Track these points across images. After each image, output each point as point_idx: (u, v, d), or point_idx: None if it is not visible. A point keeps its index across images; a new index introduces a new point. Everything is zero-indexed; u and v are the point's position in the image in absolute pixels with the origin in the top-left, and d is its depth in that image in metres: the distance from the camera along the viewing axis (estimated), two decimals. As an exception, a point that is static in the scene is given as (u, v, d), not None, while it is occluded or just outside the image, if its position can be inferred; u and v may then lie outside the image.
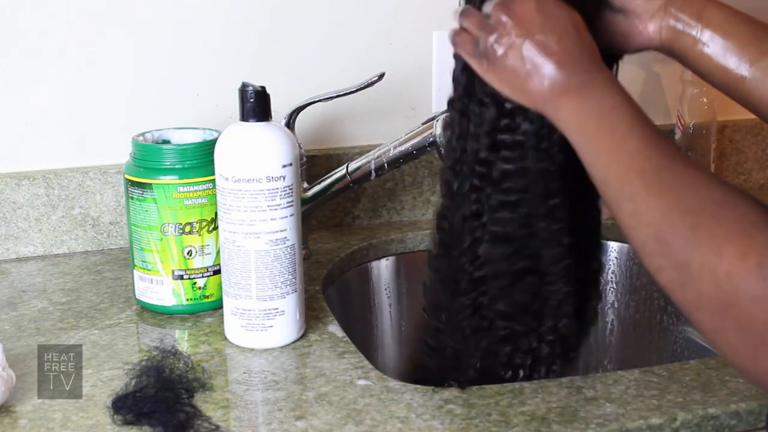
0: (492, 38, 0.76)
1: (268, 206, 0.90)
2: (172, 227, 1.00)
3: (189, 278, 1.01)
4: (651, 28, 0.85)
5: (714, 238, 0.61)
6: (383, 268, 1.27)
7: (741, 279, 0.59)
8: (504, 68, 0.76)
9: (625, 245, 1.26)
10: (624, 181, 0.67)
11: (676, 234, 0.62)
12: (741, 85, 0.83)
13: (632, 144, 0.68)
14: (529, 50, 0.74)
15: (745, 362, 0.61)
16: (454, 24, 0.83)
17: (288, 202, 0.91)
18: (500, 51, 0.75)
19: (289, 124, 1.15)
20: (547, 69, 0.73)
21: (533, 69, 0.74)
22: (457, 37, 0.80)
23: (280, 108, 1.07)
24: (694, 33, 0.83)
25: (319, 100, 1.16)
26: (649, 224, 0.64)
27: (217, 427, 0.79)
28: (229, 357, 0.94)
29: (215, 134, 1.03)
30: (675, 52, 0.85)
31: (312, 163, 1.23)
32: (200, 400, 0.84)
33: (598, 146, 0.71)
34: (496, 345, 0.85)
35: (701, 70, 0.85)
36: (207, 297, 1.02)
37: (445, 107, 1.13)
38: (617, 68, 0.89)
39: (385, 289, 1.27)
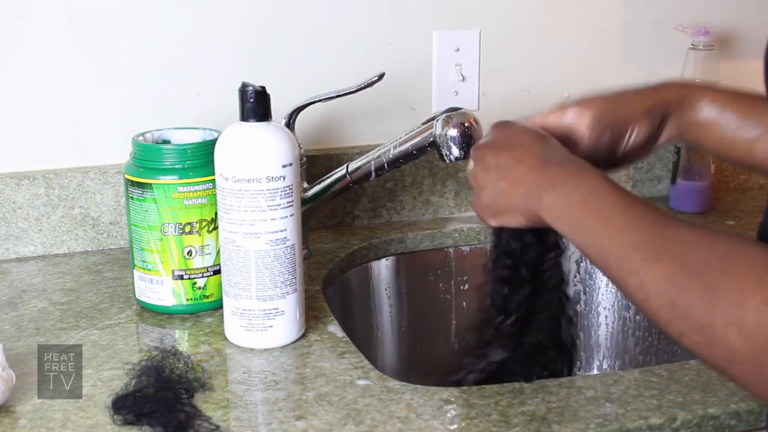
0: (476, 180, 0.84)
1: (268, 206, 0.90)
2: (172, 227, 1.00)
3: (189, 278, 1.01)
4: (665, 136, 0.92)
5: (730, 293, 0.60)
6: (383, 268, 1.27)
7: None
8: (489, 198, 0.83)
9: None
10: (622, 257, 0.68)
11: (689, 297, 0.62)
12: (748, 156, 0.89)
13: (620, 220, 0.70)
14: (501, 171, 0.81)
15: None
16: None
17: (288, 202, 0.91)
18: (481, 186, 0.83)
19: (289, 124, 1.15)
20: (521, 177, 0.79)
21: (509, 184, 0.80)
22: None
23: (280, 108, 1.07)
24: (696, 131, 0.90)
25: (319, 100, 1.16)
26: (659, 294, 0.64)
27: (217, 427, 0.79)
28: (229, 357, 0.94)
29: (215, 134, 1.03)
30: (689, 143, 0.94)
31: (312, 163, 1.23)
32: (200, 400, 0.84)
33: (588, 230, 0.73)
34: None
35: (712, 152, 0.94)
36: (207, 297, 1.02)
37: (444, 107, 1.13)
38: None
39: (385, 289, 1.27)
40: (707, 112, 0.89)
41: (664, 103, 0.90)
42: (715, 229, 0.68)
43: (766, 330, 0.58)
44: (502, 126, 0.85)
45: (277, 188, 0.90)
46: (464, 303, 1.29)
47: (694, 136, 0.91)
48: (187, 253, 1.00)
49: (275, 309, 0.93)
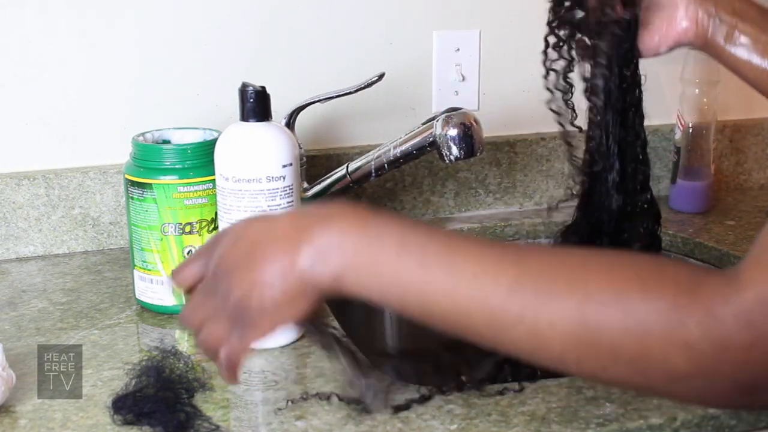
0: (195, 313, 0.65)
1: (268, 206, 0.90)
2: (172, 227, 1.00)
3: (189, 278, 1.01)
4: (685, 23, 0.87)
5: (663, 314, 0.53)
6: (383, 268, 1.26)
7: (723, 336, 0.53)
8: (219, 325, 0.63)
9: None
10: (498, 304, 0.55)
11: (611, 330, 0.54)
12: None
13: (473, 265, 0.55)
14: (246, 280, 0.61)
15: (742, 403, 0.58)
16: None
17: (288, 202, 0.91)
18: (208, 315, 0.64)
19: (289, 124, 1.15)
20: (271, 258, 0.60)
21: (258, 274, 0.60)
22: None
23: (280, 108, 1.07)
24: (727, 28, 0.85)
25: (319, 100, 1.16)
26: (566, 334, 0.54)
27: (217, 427, 0.79)
28: (229, 357, 0.93)
29: (215, 134, 1.03)
30: (708, 46, 0.87)
31: (312, 163, 1.23)
32: (200, 400, 0.84)
33: (418, 289, 0.56)
34: None
35: (733, 65, 0.86)
36: (207, 297, 1.02)
37: (444, 107, 1.13)
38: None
39: (385, 289, 1.26)
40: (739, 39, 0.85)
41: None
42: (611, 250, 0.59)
43: (716, 342, 0.53)
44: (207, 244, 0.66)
45: (277, 188, 0.90)
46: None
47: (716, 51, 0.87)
48: (188, 253, 1.00)
49: (275, 309, 0.93)
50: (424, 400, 0.83)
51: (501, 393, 0.84)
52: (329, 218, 0.59)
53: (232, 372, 0.64)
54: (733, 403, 0.58)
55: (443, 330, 0.58)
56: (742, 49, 0.85)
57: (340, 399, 0.83)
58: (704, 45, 0.88)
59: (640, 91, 0.89)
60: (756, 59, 0.85)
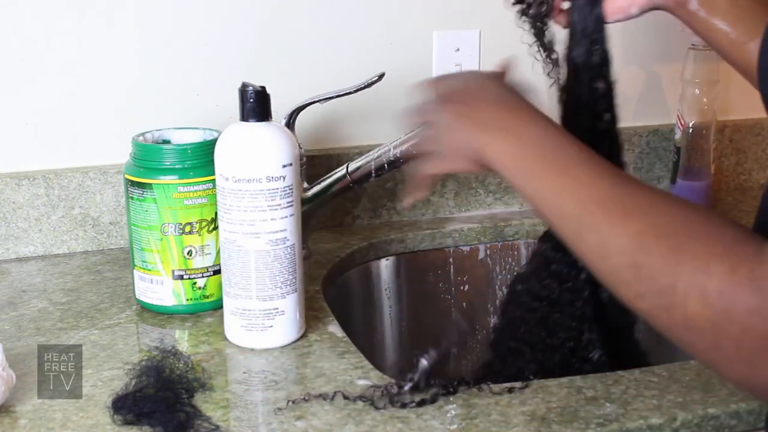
0: (422, 113, 0.82)
1: (268, 206, 0.90)
2: (172, 227, 1.00)
3: (189, 278, 1.01)
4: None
5: (697, 258, 0.59)
6: (383, 268, 1.27)
7: (734, 294, 0.57)
8: (433, 133, 0.79)
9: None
10: (582, 212, 0.65)
11: (653, 258, 0.60)
12: (740, 52, 0.87)
13: (582, 174, 0.66)
14: (450, 105, 0.77)
15: (742, 374, 0.60)
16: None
17: (288, 202, 0.91)
18: (426, 120, 0.80)
19: (289, 124, 1.15)
20: (469, 113, 0.75)
21: (456, 119, 0.76)
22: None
23: (280, 108, 1.07)
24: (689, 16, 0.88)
25: (319, 100, 1.16)
26: (621, 252, 0.62)
27: (217, 427, 0.79)
28: (229, 357, 0.93)
29: (215, 134, 1.03)
30: (681, 9, 0.89)
31: (312, 163, 1.23)
32: (200, 400, 0.84)
33: (540, 182, 0.68)
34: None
35: (705, 32, 0.88)
36: (207, 297, 1.02)
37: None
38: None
39: (385, 289, 1.27)
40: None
41: None
42: (691, 201, 0.65)
43: (728, 299, 0.57)
44: (461, 74, 0.82)
45: (277, 188, 0.90)
46: (464, 303, 1.29)
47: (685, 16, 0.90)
48: (187, 253, 1.00)
49: (275, 309, 0.93)
50: (424, 403, 0.83)
51: (502, 393, 0.84)
52: (522, 126, 0.71)
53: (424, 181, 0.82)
54: (734, 374, 0.61)
55: (546, 218, 0.69)
56: (716, 16, 0.86)
57: (345, 397, 0.83)
58: (676, 7, 0.89)
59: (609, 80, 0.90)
60: (728, 27, 0.86)
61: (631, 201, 0.64)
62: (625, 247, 0.62)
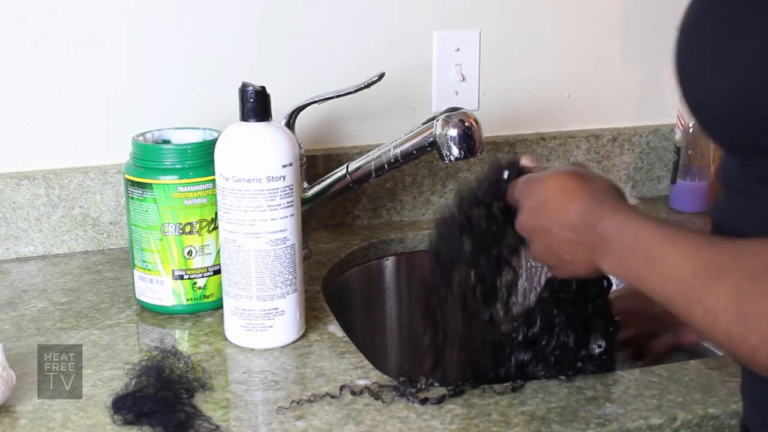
0: (522, 228, 0.82)
1: (268, 206, 0.90)
2: (172, 227, 1.00)
3: (189, 278, 1.01)
4: None
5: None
6: (383, 268, 1.27)
7: (724, 304, 0.59)
8: (542, 250, 0.81)
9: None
10: (684, 289, 0.66)
11: (758, 303, 0.61)
12: None
13: (672, 256, 0.68)
14: (544, 231, 0.79)
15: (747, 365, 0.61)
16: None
17: (288, 202, 0.91)
18: (529, 236, 0.82)
19: (289, 124, 1.15)
20: (569, 241, 0.77)
21: (559, 243, 0.78)
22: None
23: (280, 108, 1.07)
24: None
25: (319, 100, 1.16)
26: (725, 310, 0.62)
27: (217, 427, 0.79)
28: (229, 357, 0.93)
29: (215, 134, 1.03)
30: None
31: (312, 163, 1.23)
32: (200, 400, 0.84)
33: (647, 279, 0.71)
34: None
35: None
36: (207, 297, 1.02)
37: (444, 107, 1.13)
38: None
39: (385, 289, 1.27)
40: None
41: None
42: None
43: (724, 305, 0.59)
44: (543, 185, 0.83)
45: (277, 188, 0.90)
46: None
47: None
48: (187, 253, 1.00)
49: (275, 309, 0.93)
50: (426, 401, 0.83)
51: (502, 393, 0.84)
52: (612, 239, 0.74)
53: None
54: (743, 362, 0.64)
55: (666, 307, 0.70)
56: None
57: (353, 393, 0.83)
58: None
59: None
60: None
61: (721, 259, 0.65)
62: (727, 304, 0.62)
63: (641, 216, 0.73)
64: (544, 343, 0.87)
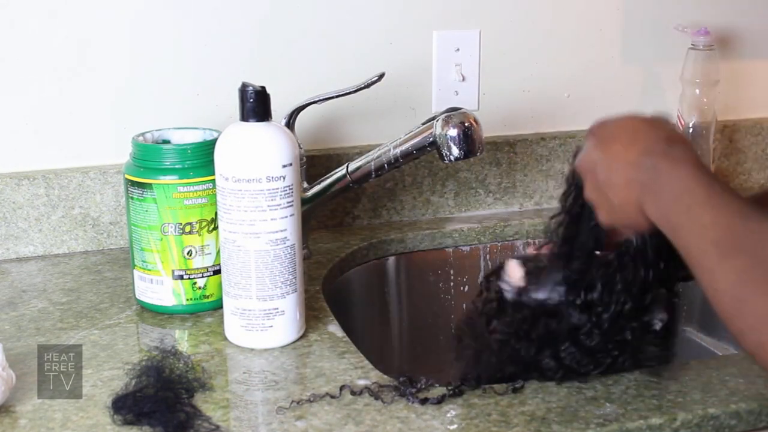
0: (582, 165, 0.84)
1: (268, 206, 0.90)
2: (172, 227, 1.00)
3: (189, 278, 1.01)
4: None
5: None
6: (383, 268, 1.27)
7: (732, 281, 0.61)
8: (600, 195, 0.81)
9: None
10: (701, 254, 0.69)
11: (757, 293, 0.62)
12: None
13: (706, 217, 0.70)
14: (605, 171, 0.79)
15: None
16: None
17: (288, 202, 0.91)
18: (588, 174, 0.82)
19: (289, 124, 1.15)
20: (625, 177, 0.77)
21: (616, 180, 0.78)
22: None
23: (280, 108, 1.07)
24: None
25: (319, 100, 1.16)
26: (727, 288, 0.64)
27: (217, 427, 0.79)
28: (229, 357, 0.94)
29: (215, 134, 1.03)
30: None
31: (312, 163, 1.23)
32: (200, 400, 0.84)
33: (678, 228, 0.72)
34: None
35: None
36: (207, 297, 1.02)
37: (444, 107, 1.13)
38: None
39: (385, 289, 1.27)
40: None
41: None
42: None
43: (733, 281, 0.61)
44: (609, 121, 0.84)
45: (277, 188, 0.90)
46: (464, 303, 1.29)
47: None
48: (187, 253, 1.00)
49: (275, 309, 0.93)
50: (426, 401, 0.83)
51: (502, 393, 0.84)
52: (662, 180, 0.74)
53: None
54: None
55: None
56: None
57: (353, 393, 0.83)
58: None
59: None
60: None
61: (743, 237, 0.66)
62: (730, 283, 0.64)
63: (701, 171, 0.73)
64: (601, 310, 0.85)
